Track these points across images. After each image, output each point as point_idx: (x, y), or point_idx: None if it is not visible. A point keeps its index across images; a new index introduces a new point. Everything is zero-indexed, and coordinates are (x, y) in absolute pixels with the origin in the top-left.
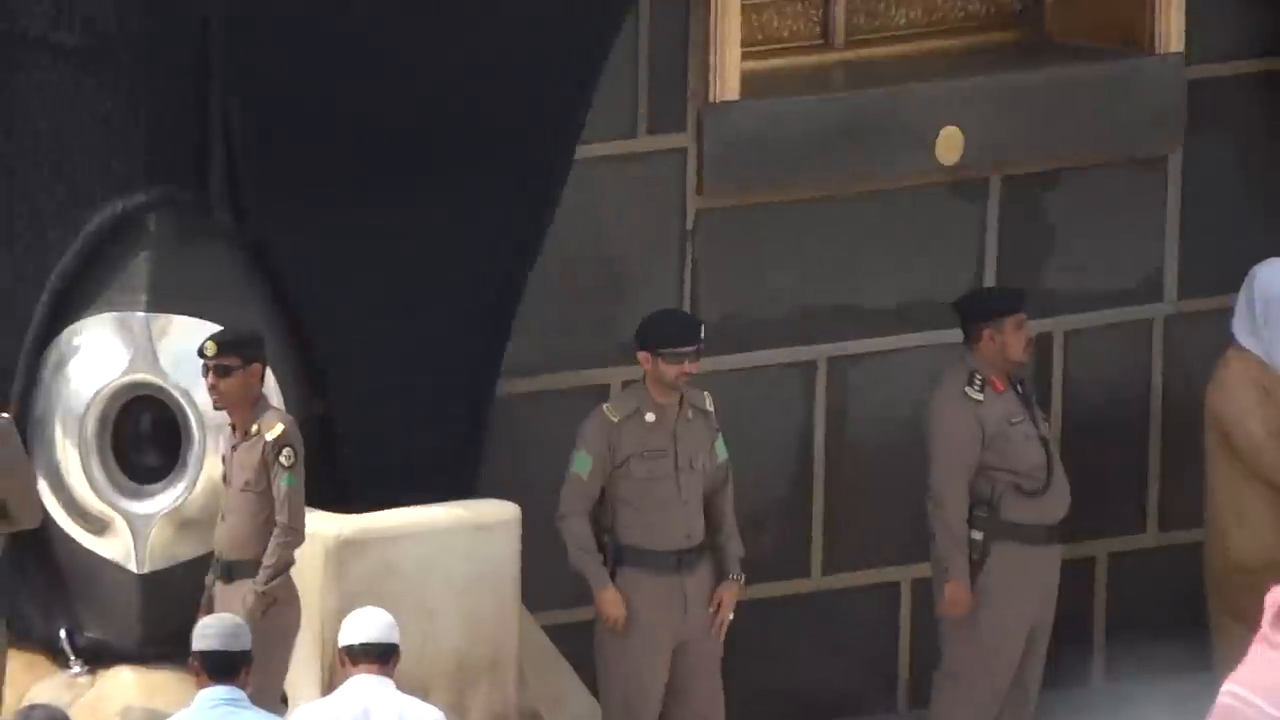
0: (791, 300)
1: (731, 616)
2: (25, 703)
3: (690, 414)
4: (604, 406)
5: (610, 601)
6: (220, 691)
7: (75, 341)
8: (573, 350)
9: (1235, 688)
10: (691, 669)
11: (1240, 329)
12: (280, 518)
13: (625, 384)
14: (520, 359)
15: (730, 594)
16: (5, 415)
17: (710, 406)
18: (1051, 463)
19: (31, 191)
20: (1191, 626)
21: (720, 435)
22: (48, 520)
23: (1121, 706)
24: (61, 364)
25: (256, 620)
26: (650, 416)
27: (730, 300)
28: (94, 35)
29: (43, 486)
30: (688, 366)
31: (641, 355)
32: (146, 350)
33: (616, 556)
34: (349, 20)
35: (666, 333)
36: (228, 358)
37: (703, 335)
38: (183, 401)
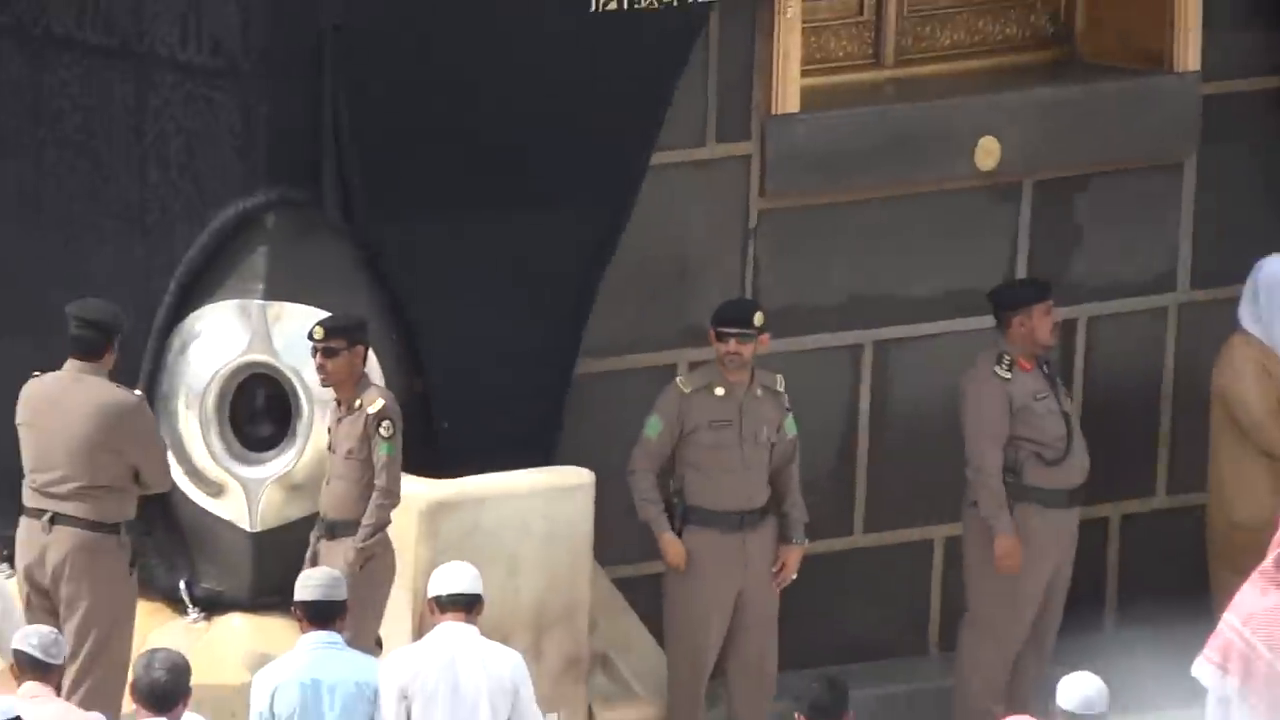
0: (842, 291)
1: (795, 576)
2: (147, 646)
3: (759, 392)
4: (678, 379)
5: (671, 544)
6: (320, 636)
7: (198, 326)
8: (645, 335)
9: (1228, 615)
10: (750, 619)
11: (1245, 315)
12: (379, 482)
13: (692, 364)
14: (597, 342)
15: (794, 555)
16: (138, 392)
17: (781, 387)
18: (1071, 434)
19: (162, 192)
20: (1194, 580)
21: (790, 414)
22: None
23: (1130, 650)
24: (185, 346)
25: (355, 573)
26: (720, 391)
27: (787, 291)
28: (220, 54)
29: (169, 455)
30: (734, 346)
31: (710, 334)
32: (262, 334)
33: (684, 516)
34: (452, 39)
35: (721, 314)
36: (334, 341)
37: (757, 322)
38: (293, 379)
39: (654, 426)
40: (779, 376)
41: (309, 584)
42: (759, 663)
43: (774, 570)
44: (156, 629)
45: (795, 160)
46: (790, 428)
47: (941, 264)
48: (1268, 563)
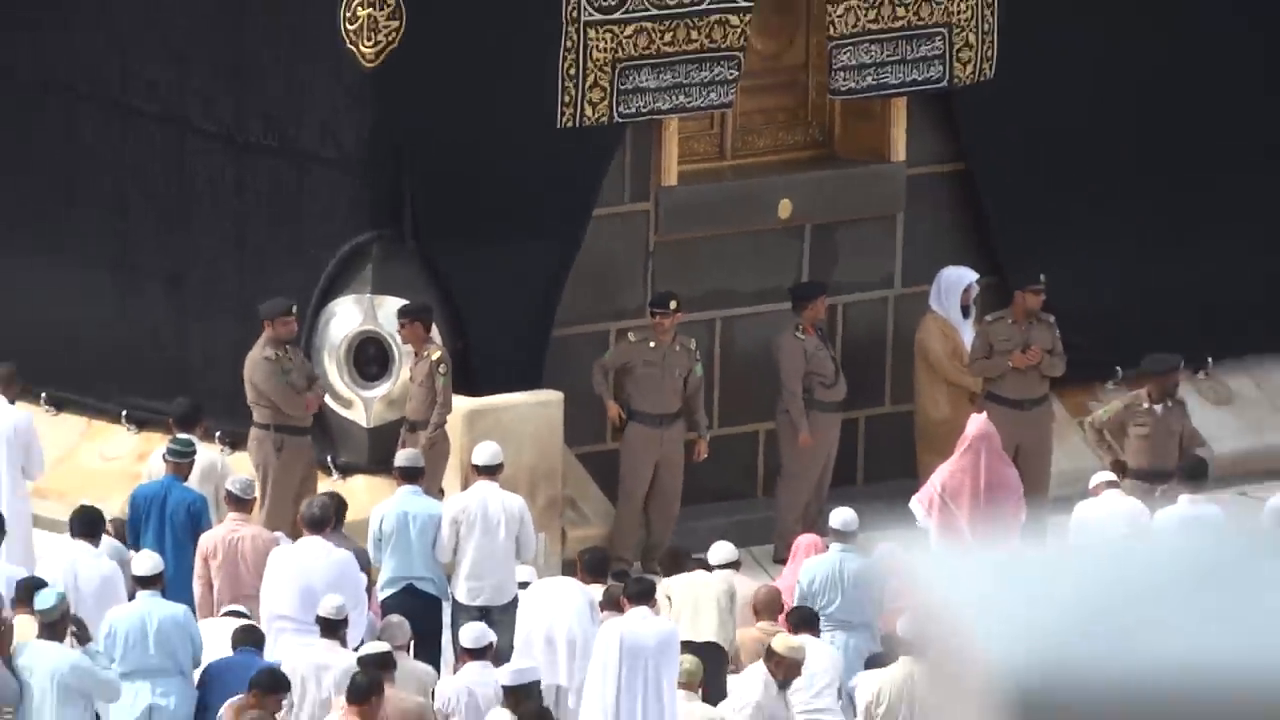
0: (702, 288)
1: (706, 455)
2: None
3: (677, 348)
4: (629, 334)
5: (611, 407)
6: (408, 488)
7: (334, 309)
8: (589, 313)
9: (934, 477)
10: (664, 477)
11: (932, 301)
12: (439, 400)
13: (618, 331)
14: (563, 316)
15: (702, 443)
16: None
17: (693, 346)
18: (838, 370)
19: (310, 229)
20: (907, 456)
21: (699, 363)
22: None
23: (872, 497)
24: (328, 322)
25: (428, 451)
26: (651, 344)
27: (671, 288)
28: (343, 150)
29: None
30: (659, 319)
31: (649, 312)
32: (370, 314)
33: (628, 414)
34: (486, 140)
35: (654, 300)
36: (407, 318)
37: (673, 306)
38: (389, 340)
39: (610, 353)
40: (693, 340)
41: (401, 458)
42: (669, 503)
43: (696, 450)
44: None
45: (674, 213)
46: (697, 370)
47: (760, 272)
48: (959, 451)
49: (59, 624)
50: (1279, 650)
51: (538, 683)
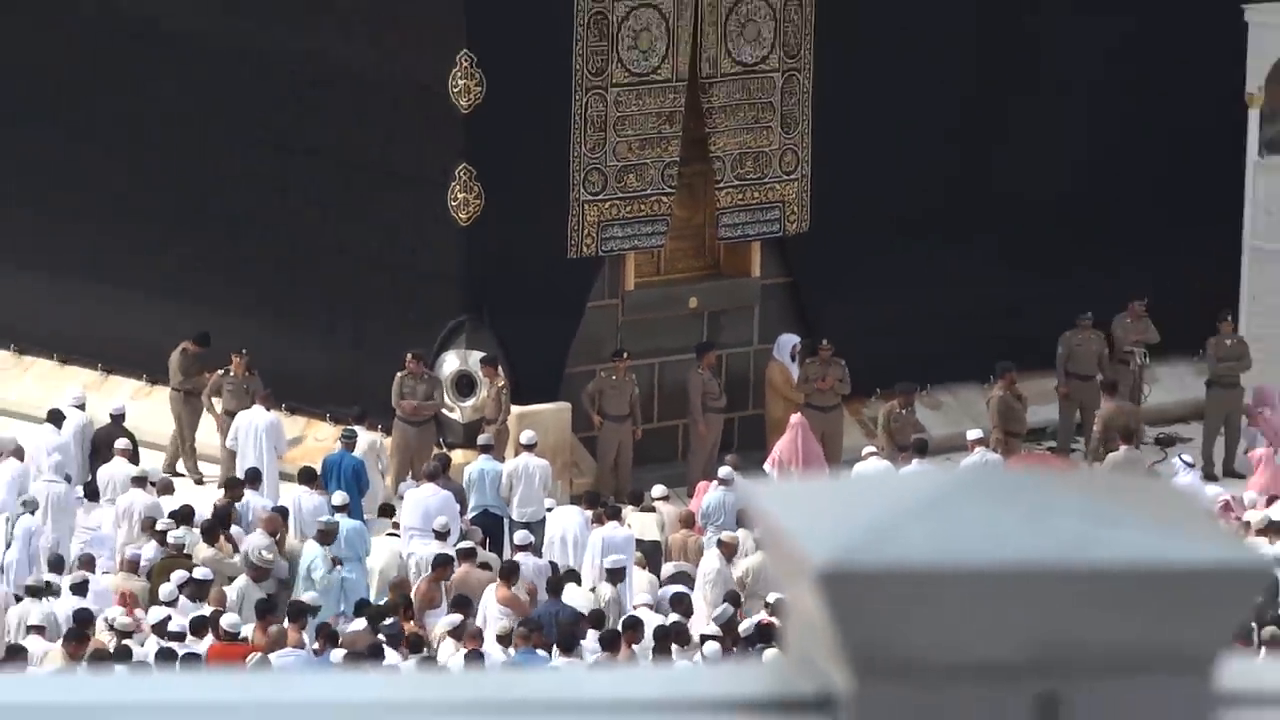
0: (647, 346)
1: (640, 437)
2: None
3: (628, 379)
4: (601, 372)
5: (593, 415)
6: (485, 457)
7: (444, 358)
8: (583, 360)
9: (775, 451)
10: (623, 448)
11: (775, 352)
12: (502, 408)
13: (601, 369)
14: (570, 361)
15: (638, 430)
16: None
17: (634, 379)
18: (722, 391)
19: (429, 315)
20: (762, 440)
21: (637, 388)
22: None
23: (743, 463)
24: (441, 365)
25: (495, 436)
26: (613, 377)
27: (626, 347)
28: (451, 271)
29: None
30: (618, 364)
31: (613, 359)
32: (465, 360)
33: (601, 414)
34: (523, 267)
35: (614, 354)
36: (486, 363)
37: (625, 356)
38: (475, 375)
39: (592, 383)
40: (634, 375)
41: (481, 439)
42: (626, 464)
43: (633, 435)
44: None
45: (631, 305)
46: (636, 392)
47: (679, 337)
48: (787, 435)
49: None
50: (1020, 539)
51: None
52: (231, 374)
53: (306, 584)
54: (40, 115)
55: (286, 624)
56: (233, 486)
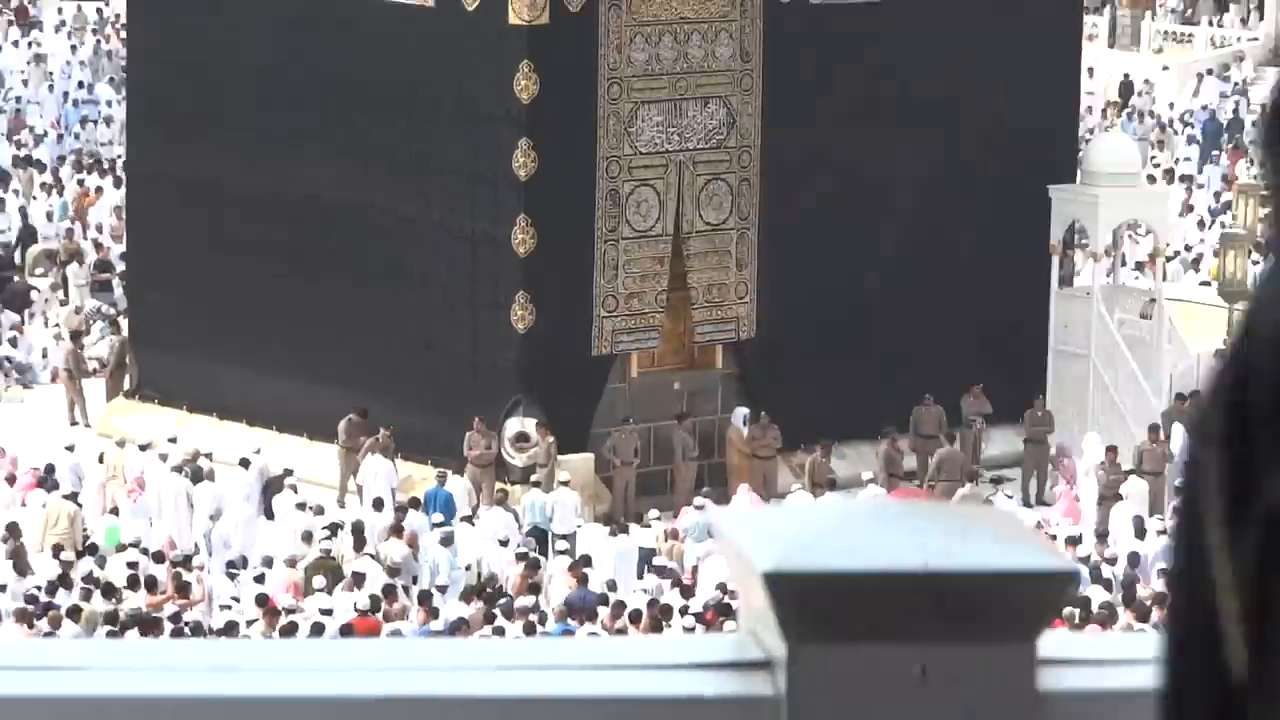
0: (645, 414)
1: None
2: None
3: (634, 436)
4: (614, 432)
5: (614, 461)
6: (536, 490)
7: (507, 425)
8: (602, 424)
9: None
10: (630, 484)
11: (734, 419)
12: (551, 456)
13: (614, 430)
14: (595, 425)
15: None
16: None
17: (636, 435)
18: (696, 444)
19: (494, 395)
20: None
21: (638, 441)
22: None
23: (711, 497)
24: (505, 428)
25: (544, 476)
26: (623, 435)
27: (630, 416)
28: (511, 365)
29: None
30: (620, 430)
31: (622, 424)
32: (524, 424)
33: (615, 461)
34: (558, 363)
35: (622, 420)
36: (540, 426)
37: (631, 422)
38: (531, 433)
39: (609, 441)
40: (637, 432)
41: (532, 479)
42: (632, 492)
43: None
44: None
45: (636, 390)
46: (638, 445)
47: (667, 409)
48: (739, 480)
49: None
50: (900, 549)
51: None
52: (380, 439)
53: (435, 576)
54: (253, 247)
55: (417, 607)
56: (400, 509)
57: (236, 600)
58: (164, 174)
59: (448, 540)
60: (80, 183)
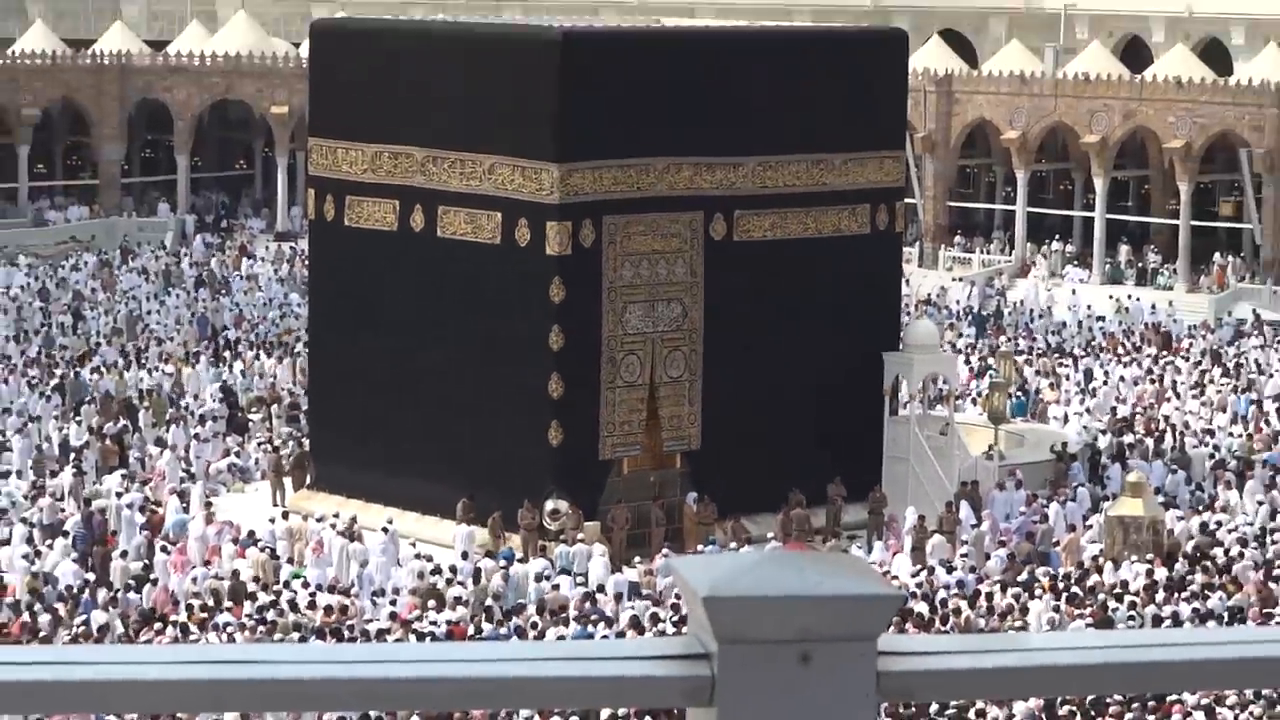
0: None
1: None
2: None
3: (626, 512)
4: (612, 508)
5: (616, 527)
6: (563, 546)
7: (547, 503)
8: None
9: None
10: (622, 540)
11: (688, 500)
12: (579, 521)
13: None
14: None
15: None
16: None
17: (627, 511)
18: (665, 517)
19: (529, 487)
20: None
21: (628, 515)
22: None
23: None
24: (545, 505)
25: (570, 535)
26: (616, 513)
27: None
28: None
29: None
30: (619, 505)
31: (617, 504)
32: (557, 503)
33: (613, 526)
34: (578, 472)
35: (617, 501)
36: (571, 504)
37: (620, 503)
38: (563, 508)
39: (610, 512)
40: (627, 511)
41: (561, 538)
42: (623, 545)
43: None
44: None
45: (625, 481)
46: (629, 516)
47: (647, 495)
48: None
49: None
50: (791, 580)
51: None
52: (466, 508)
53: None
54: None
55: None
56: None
57: (378, 618)
58: (332, 348)
59: (506, 578)
60: (279, 355)
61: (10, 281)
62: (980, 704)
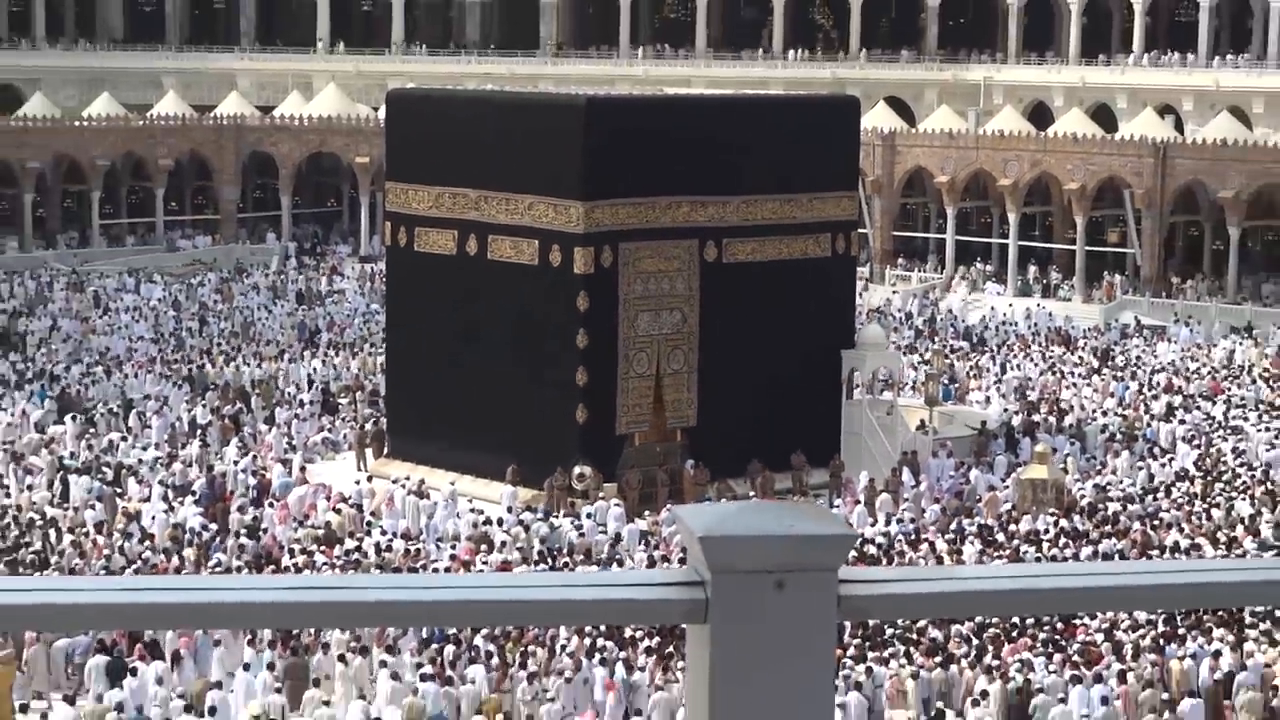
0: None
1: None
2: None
3: (638, 474)
4: (627, 472)
5: (628, 487)
6: (589, 505)
7: (575, 468)
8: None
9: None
10: (634, 497)
11: (686, 467)
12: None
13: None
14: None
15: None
16: None
17: (639, 474)
18: (669, 480)
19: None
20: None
21: (640, 477)
22: None
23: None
24: (573, 470)
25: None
26: (630, 475)
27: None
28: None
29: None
30: (630, 471)
31: (628, 470)
32: (584, 468)
33: (627, 487)
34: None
35: (630, 466)
36: (595, 470)
37: (633, 467)
38: (587, 473)
39: (626, 475)
40: (639, 474)
41: (589, 497)
42: (636, 502)
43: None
44: None
45: (635, 450)
46: (640, 479)
47: (654, 463)
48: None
49: None
50: (770, 524)
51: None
52: (514, 475)
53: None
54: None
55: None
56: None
57: (441, 559)
58: (404, 347)
59: (551, 527)
60: (363, 352)
61: (150, 295)
62: (923, 623)
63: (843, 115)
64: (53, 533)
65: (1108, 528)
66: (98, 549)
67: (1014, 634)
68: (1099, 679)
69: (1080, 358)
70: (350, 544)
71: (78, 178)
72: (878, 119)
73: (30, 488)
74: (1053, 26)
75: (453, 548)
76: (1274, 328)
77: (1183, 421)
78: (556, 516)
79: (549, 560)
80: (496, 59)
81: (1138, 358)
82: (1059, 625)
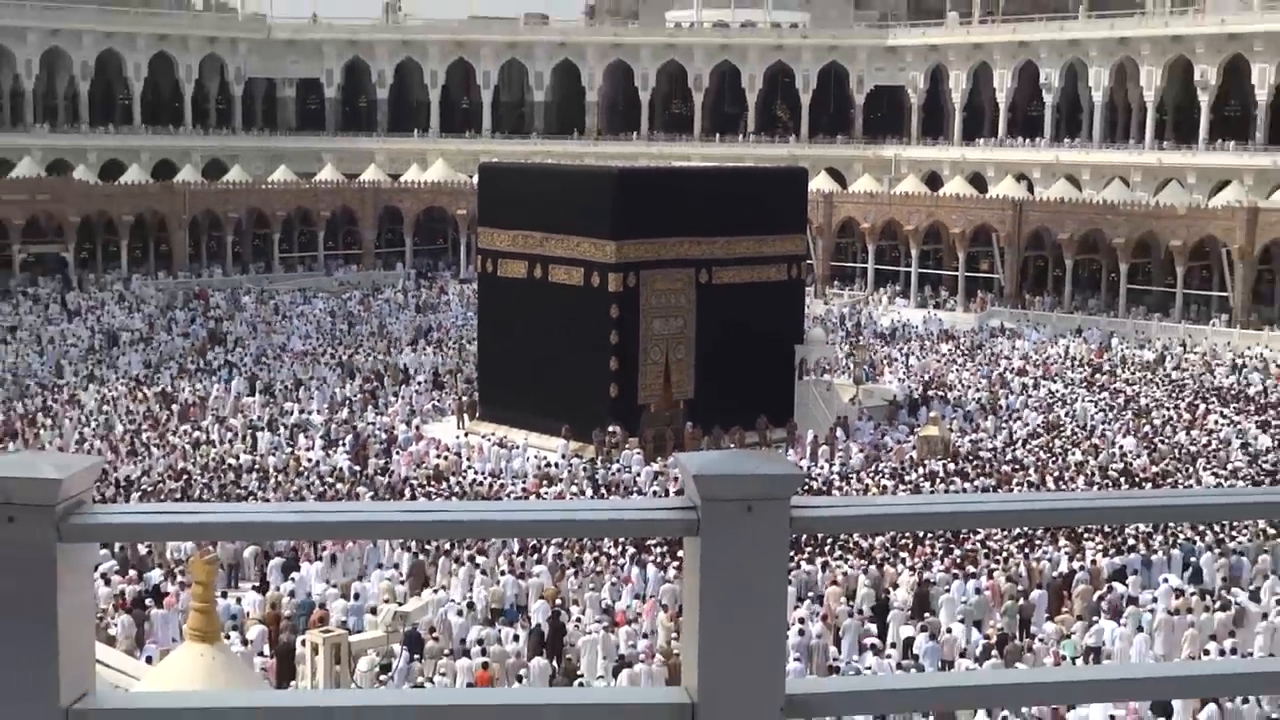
0: None
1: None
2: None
3: (652, 434)
4: (646, 430)
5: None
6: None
7: (608, 427)
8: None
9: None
10: (649, 449)
11: (687, 428)
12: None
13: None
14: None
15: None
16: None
17: (652, 433)
18: (678, 437)
19: None
20: None
21: (653, 434)
22: None
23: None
24: (608, 430)
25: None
26: (648, 434)
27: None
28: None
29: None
30: (647, 431)
31: (647, 429)
32: (617, 428)
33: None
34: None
35: (647, 424)
36: (622, 429)
37: (651, 427)
38: (618, 431)
39: (647, 431)
40: (653, 433)
41: (621, 449)
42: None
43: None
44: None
45: (650, 416)
46: (651, 434)
47: (664, 426)
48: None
49: None
50: (747, 468)
51: None
52: (566, 432)
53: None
54: None
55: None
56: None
57: (516, 491)
58: (490, 344)
59: (595, 468)
60: (457, 347)
61: (314, 307)
62: (856, 538)
63: (795, 181)
64: (246, 474)
65: (981, 469)
66: (278, 483)
67: (916, 544)
68: (973, 576)
69: (960, 350)
70: (452, 481)
71: (264, 224)
72: (820, 183)
73: (229, 441)
74: (943, 119)
75: (524, 483)
76: (1095, 330)
77: (1031, 395)
78: (597, 461)
79: (593, 491)
80: (555, 142)
81: (1000, 351)
82: (949, 536)
